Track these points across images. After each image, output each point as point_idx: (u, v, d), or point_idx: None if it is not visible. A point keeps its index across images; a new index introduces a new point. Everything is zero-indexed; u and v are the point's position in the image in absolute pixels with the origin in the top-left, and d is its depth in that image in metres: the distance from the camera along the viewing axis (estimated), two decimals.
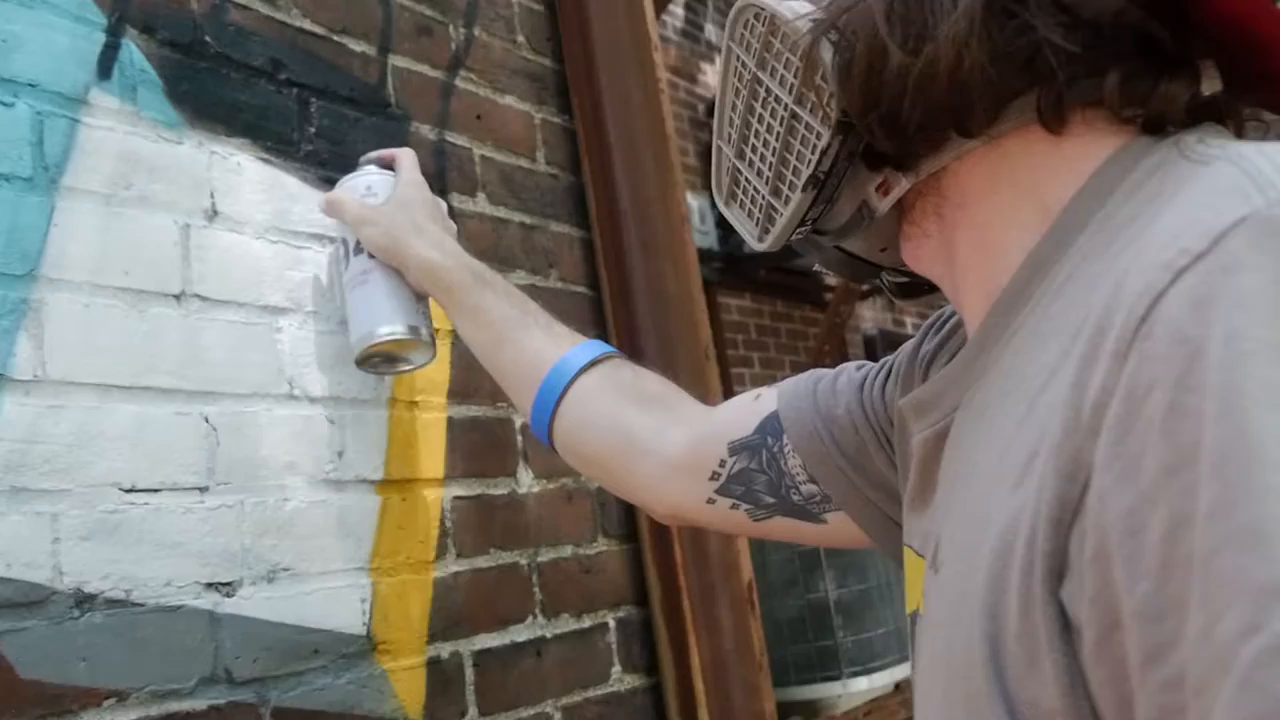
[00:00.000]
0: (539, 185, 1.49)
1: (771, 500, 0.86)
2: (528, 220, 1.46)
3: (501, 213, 1.41)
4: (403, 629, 1.13)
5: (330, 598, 1.07)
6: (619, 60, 1.54)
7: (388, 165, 1.13)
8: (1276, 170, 0.42)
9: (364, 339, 1.05)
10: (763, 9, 0.62)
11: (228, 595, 0.98)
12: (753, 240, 0.68)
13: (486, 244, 1.37)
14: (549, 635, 1.30)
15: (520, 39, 1.53)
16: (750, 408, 0.88)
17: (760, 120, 0.64)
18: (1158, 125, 0.54)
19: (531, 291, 1.42)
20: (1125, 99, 0.53)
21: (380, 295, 1.05)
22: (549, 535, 1.34)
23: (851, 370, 0.85)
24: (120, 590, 0.91)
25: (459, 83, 1.40)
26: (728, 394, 1.09)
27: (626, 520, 1.46)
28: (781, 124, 0.62)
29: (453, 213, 1.32)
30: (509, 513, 1.30)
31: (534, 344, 0.99)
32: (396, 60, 1.31)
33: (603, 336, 1.50)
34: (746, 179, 0.67)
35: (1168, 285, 0.40)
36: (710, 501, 0.88)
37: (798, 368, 5.65)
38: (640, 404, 0.94)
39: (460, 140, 1.38)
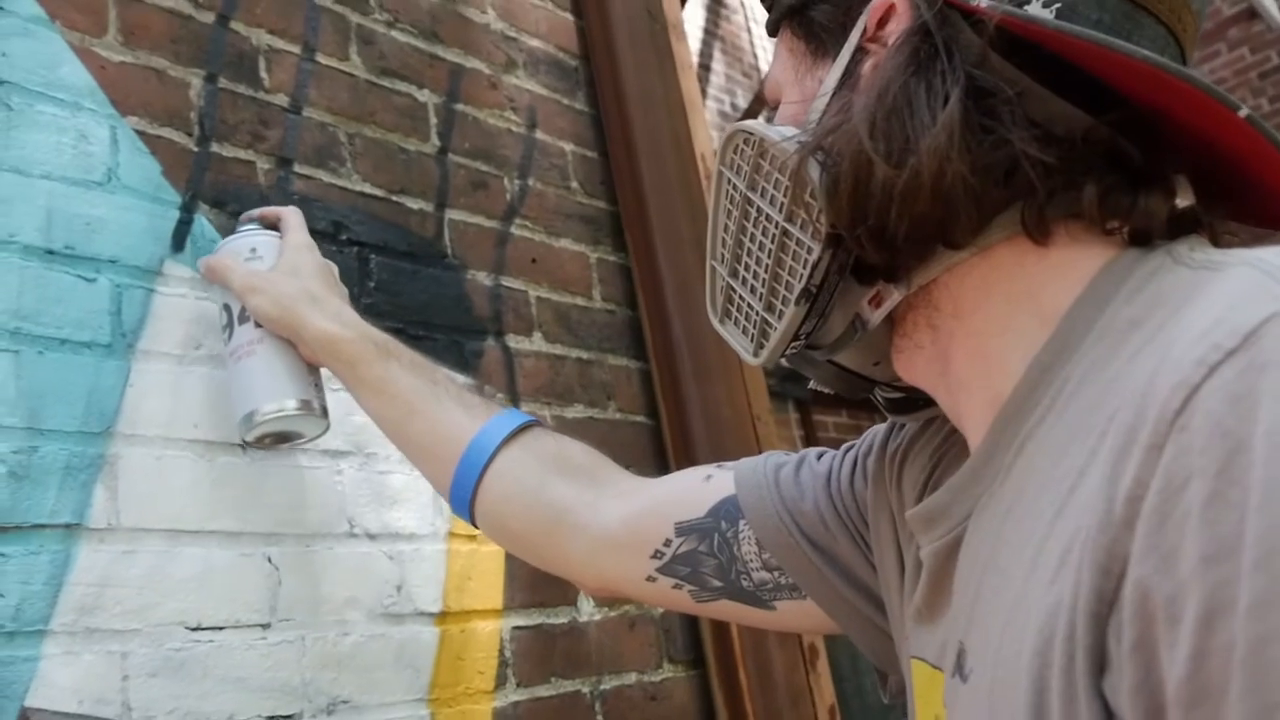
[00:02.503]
0: (595, 321, 1.56)
1: (719, 584, 0.85)
2: (585, 355, 1.52)
3: (558, 349, 1.48)
4: None
5: None
6: (669, 199, 1.61)
7: (271, 224, 1.06)
8: None
9: (252, 416, 0.99)
10: (751, 133, 0.66)
11: None
12: (748, 356, 0.70)
13: (543, 380, 1.44)
14: None
15: (574, 185, 1.62)
16: (701, 489, 0.88)
17: (752, 239, 0.67)
18: (1144, 238, 0.56)
19: (589, 423, 1.47)
20: (1105, 213, 0.55)
21: (269, 368, 0.99)
22: (611, 663, 1.36)
23: (813, 460, 0.85)
24: None
25: (514, 230, 1.49)
26: None
27: (693, 646, 1.47)
28: (773, 241, 0.65)
29: (508, 352, 1.39)
30: (570, 641, 1.32)
31: (448, 417, 0.95)
32: (453, 214, 1.41)
33: (661, 462, 1.53)
34: (740, 296, 0.70)
35: (1202, 380, 0.42)
36: (650, 579, 0.88)
37: None
38: (568, 476, 0.92)
39: (515, 284, 1.45)
